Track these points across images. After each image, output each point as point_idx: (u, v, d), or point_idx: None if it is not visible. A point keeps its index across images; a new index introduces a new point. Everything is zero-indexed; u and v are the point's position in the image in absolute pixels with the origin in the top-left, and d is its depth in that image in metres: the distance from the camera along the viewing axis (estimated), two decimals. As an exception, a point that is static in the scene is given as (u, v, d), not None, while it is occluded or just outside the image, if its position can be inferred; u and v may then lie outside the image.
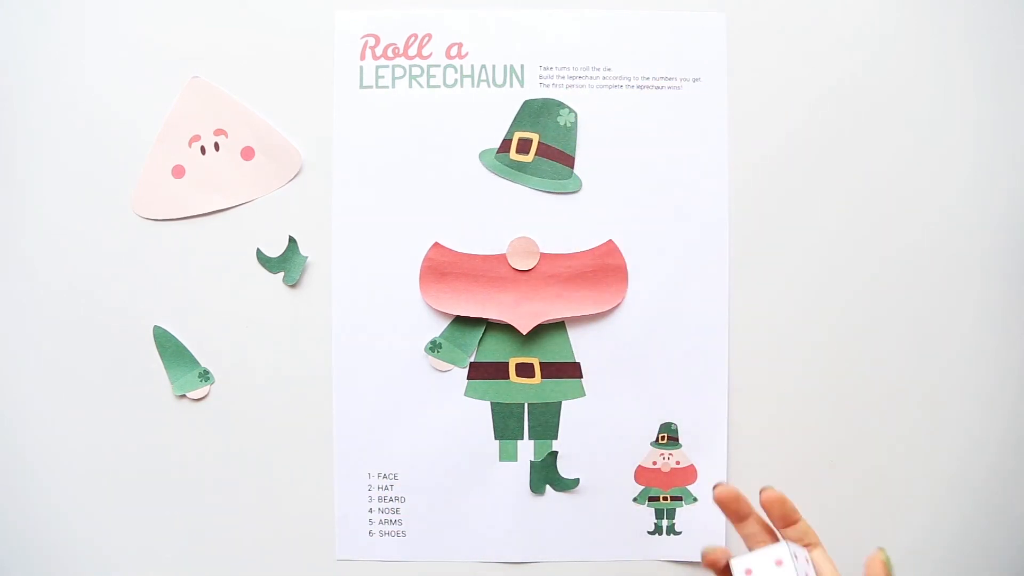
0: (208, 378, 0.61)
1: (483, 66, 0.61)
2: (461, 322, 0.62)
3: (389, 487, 0.62)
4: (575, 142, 0.61)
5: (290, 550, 0.62)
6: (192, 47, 0.61)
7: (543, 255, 0.62)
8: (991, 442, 0.62)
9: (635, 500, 0.62)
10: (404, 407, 0.62)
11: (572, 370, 0.62)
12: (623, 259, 0.61)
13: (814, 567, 0.47)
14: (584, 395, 0.62)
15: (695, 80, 0.61)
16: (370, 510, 0.62)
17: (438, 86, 0.61)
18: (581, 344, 0.62)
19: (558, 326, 0.62)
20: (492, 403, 0.62)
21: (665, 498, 0.62)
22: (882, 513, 0.62)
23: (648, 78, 0.61)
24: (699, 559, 0.62)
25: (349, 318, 0.61)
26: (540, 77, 0.61)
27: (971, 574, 0.63)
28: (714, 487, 0.49)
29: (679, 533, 0.62)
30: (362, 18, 0.61)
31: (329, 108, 0.61)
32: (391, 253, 0.61)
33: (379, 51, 0.61)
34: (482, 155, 0.61)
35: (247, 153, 0.61)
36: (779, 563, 0.48)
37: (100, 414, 0.62)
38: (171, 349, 0.61)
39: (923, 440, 0.62)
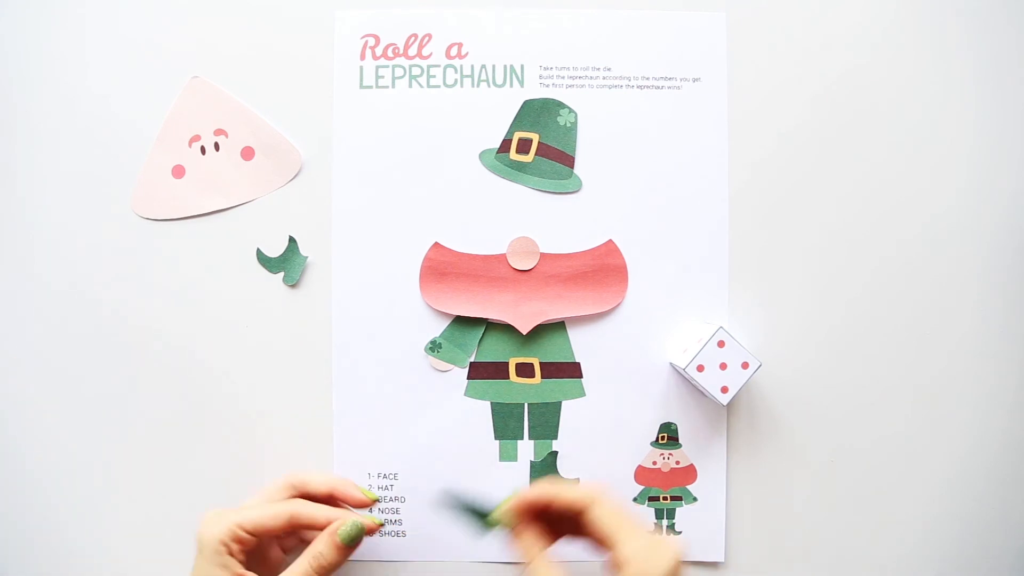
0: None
1: (483, 66, 0.61)
2: (461, 322, 0.62)
3: (389, 487, 0.62)
4: (575, 142, 0.61)
5: (290, 550, 0.62)
6: (192, 47, 0.61)
7: (543, 255, 0.62)
8: (991, 442, 0.62)
9: (635, 500, 0.62)
10: (404, 407, 0.62)
11: (572, 370, 0.62)
12: (623, 259, 0.61)
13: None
14: (584, 395, 0.62)
15: (695, 80, 0.61)
16: (370, 510, 0.62)
17: (438, 86, 0.61)
18: (581, 344, 0.62)
19: (558, 326, 0.62)
20: (492, 403, 0.62)
21: (665, 498, 0.62)
22: (881, 513, 0.62)
23: (648, 78, 0.61)
24: (699, 559, 0.62)
25: (349, 318, 0.61)
26: (540, 77, 0.61)
27: (971, 574, 0.63)
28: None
29: (679, 533, 0.62)
30: (362, 18, 0.61)
31: (329, 108, 0.61)
32: (391, 253, 0.61)
33: (379, 51, 0.61)
34: (482, 155, 0.61)
35: (247, 153, 0.61)
36: (721, 344, 0.54)
37: (99, 414, 0.62)
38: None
39: (922, 440, 0.62)
